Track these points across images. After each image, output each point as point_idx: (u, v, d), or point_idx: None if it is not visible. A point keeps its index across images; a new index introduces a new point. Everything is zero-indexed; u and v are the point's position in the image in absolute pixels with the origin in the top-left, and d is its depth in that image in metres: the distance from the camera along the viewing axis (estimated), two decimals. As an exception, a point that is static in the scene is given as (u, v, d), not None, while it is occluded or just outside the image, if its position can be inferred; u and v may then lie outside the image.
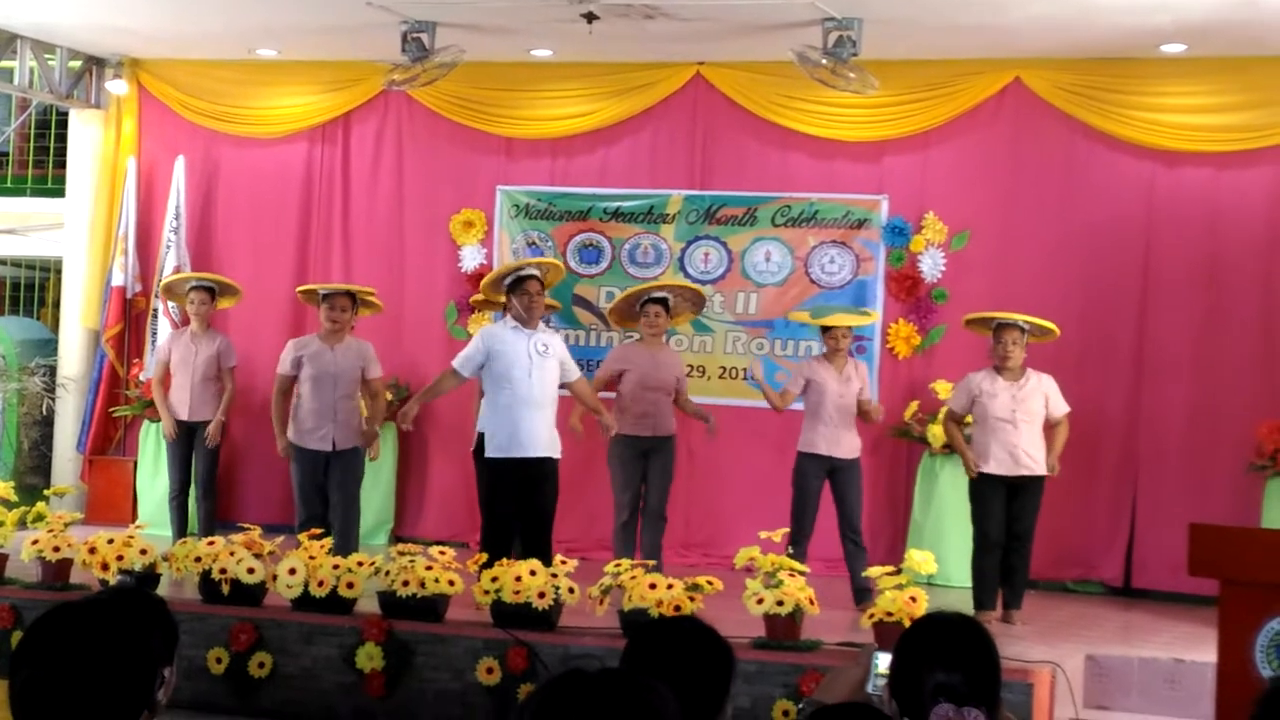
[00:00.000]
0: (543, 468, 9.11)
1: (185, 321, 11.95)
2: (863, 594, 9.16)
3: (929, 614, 3.75)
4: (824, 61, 10.23)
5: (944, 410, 9.60)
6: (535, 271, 9.41)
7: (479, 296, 10.85)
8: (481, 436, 9.36)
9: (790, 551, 8.21)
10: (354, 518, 9.95)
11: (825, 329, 9.86)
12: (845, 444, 9.71)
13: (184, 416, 11.06)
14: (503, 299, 9.52)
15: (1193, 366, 10.84)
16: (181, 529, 10.99)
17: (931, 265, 11.37)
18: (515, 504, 9.10)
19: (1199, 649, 8.27)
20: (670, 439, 10.07)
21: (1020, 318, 9.54)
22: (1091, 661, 8.37)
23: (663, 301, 10.13)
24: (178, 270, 12.39)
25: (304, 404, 9.90)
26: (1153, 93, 10.96)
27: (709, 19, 10.43)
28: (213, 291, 11.21)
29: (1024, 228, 11.23)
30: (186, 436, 11.10)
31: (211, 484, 11.25)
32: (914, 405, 11.05)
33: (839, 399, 9.67)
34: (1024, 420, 9.36)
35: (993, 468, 9.35)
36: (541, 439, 9.09)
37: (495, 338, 9.22)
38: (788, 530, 8.77)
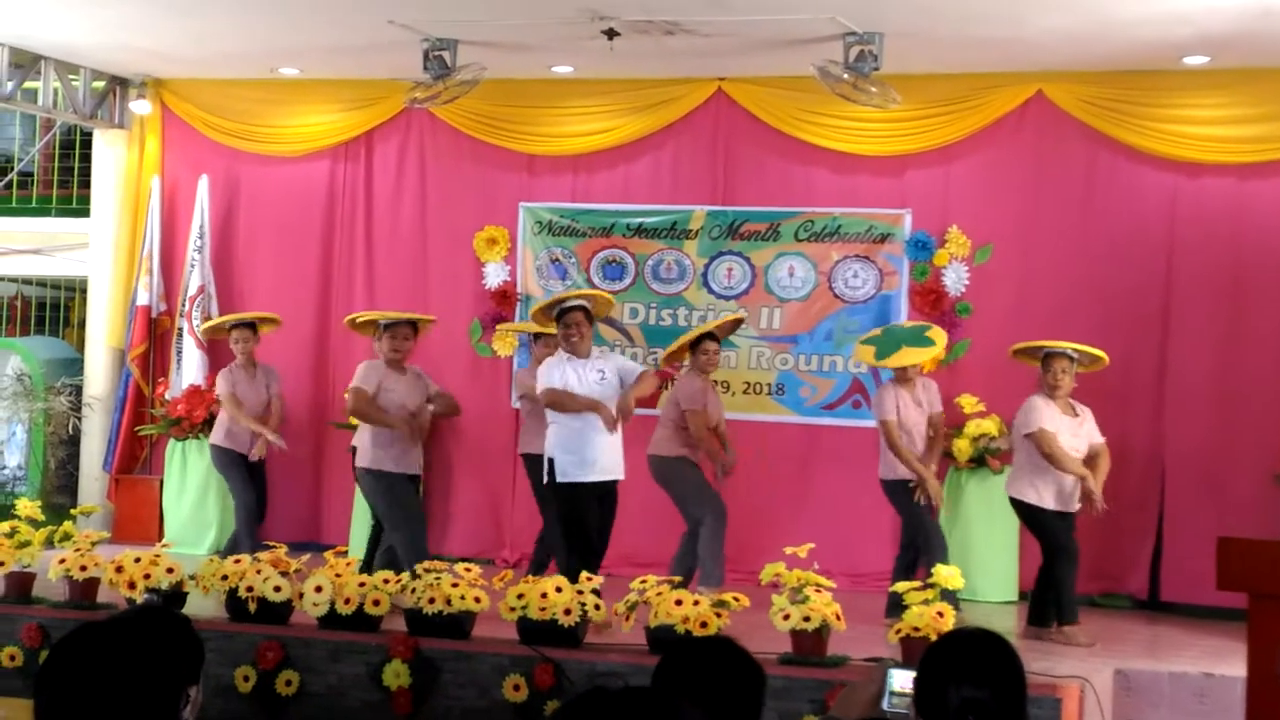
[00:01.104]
0: (611, 491, 9.28)
1: (212, 344, 12.11)
2: (899, 607, 9.09)
3: (953, 630, 3.73)
4: (845, 76, 10.22)
5: (1040, 431, 9.31)
6: (579, 303, 9.38)
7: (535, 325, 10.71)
8: (552, 463, 9.26)
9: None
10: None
11: None
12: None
13: (248, 451, 10.99)
14: (554, 328, 9.51)
15: (1218, 377, 10.79)
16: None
17: (955, 279, 11.35)
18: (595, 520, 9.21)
19: (1228, 663, 8.23)
20: None
21: (1069, 346, 9.49)
22: (1120, 676, 8.32)
23: (714, 336, 10.23)
24: (201, 289, 12.60)
25: (386, 432, 9.56)
26: (1175, 105, 10.94)
27: (730, 34, 10.42)
28: (254, 326, 11.22)
29: (1047, 240, 11.20)
30: (250, 466, 11.02)
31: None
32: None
33: (917, 425, 9.78)
34: (1080, 457, 9.36)
35: (1057, 503, 9.31)
36: (611, 462, 9.23)
37: (558, 373, 9.22)
38: (802, 552, 8.41)
